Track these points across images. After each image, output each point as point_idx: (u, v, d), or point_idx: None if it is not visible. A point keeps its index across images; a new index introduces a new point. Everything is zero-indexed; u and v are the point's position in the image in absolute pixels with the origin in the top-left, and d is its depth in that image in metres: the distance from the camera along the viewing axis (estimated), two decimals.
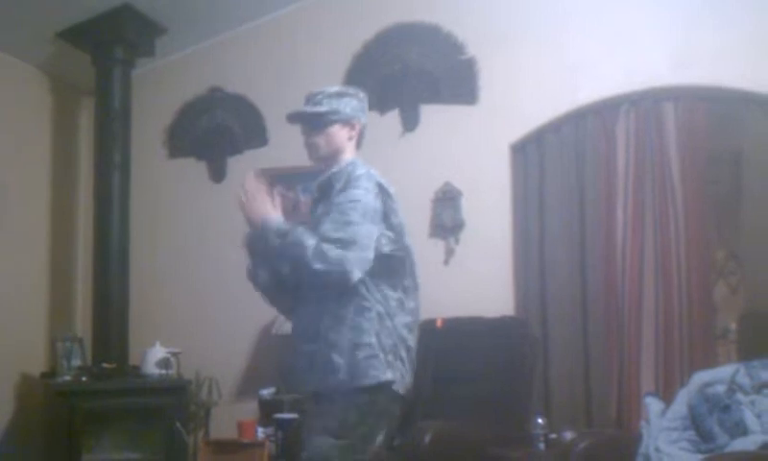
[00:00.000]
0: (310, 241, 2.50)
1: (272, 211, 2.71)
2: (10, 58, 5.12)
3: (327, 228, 2.51)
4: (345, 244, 2.48)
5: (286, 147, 5.23)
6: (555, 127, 4.80)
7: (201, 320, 5.28)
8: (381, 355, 2.54)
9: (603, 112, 4.71)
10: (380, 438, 2.58)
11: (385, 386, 2.54)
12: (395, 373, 2.57)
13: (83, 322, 5.38)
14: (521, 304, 4.79)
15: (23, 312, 5.12)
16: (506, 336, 4.48)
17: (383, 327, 2.56)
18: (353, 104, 2.75)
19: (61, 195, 5.50)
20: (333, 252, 2.47)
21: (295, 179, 5.25)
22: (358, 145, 2.78)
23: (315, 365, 2.58)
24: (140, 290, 5.25)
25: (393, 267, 2.61)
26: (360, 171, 2.62)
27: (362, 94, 2.81)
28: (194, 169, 5.52)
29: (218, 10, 5.29)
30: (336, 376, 2.53)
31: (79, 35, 5.09)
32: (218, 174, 5.49)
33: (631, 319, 4.54)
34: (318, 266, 2.47)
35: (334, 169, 2.70)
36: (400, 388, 2.60)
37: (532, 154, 4.86)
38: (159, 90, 5.58)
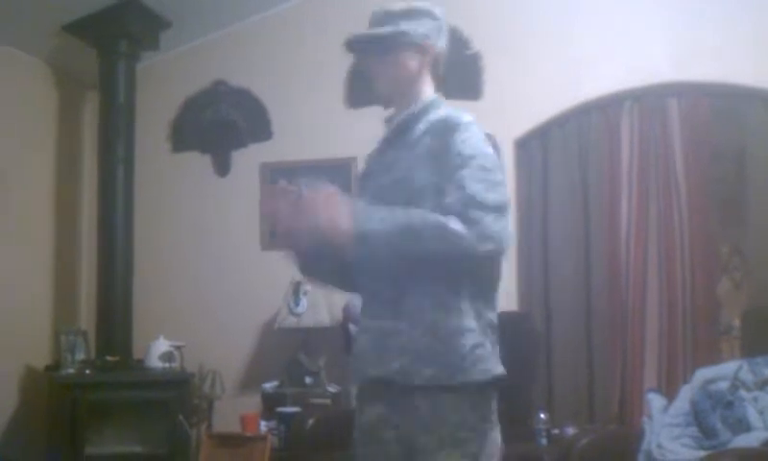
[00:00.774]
0: (451, 224, 1.91)
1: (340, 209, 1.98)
2: (14, 51, 5.12)
3: (477, 188, 1.95)
4: (503, 210, 1.97)
5: (290, 141, 5.26)
6: (559, 122, 4.80)
7: (204, 313, 5.29)
8: (489, 344, 2.04)
9: (607, 108, 4.71)
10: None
11: (498, 379, 2.05)
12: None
13: (86, 315, 5.38)
14: (525, 300, 4.80)
15: (27, 305, 5.12)
16: (509, 331, 4.45)
17: (484, 307, 2.06)
18: (426, 23, 2.21)
19: (66, 188, 5.51)
20: (496, 223, 1.93)
21: (299, 172, 5.25)
22: (436, 76, 2.26)
23: (396, 351, 2.02)
24: (144, 283, 5.25)
25: None
26: (466, 117, 2.10)
27: (438, 11, 2.25)
28: (198, 163, 5.52)
29: (222, 3, 5.29)
30: (434, 366, 1.98)
31: (83, 28, 5.08)
32: (222, 167, 5.49)
33: (634, 315, 4.54)
34: (483, 248, 1.92)
35: (413, 109, 2.18)
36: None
37: (536, 149, 4.86)
38: (164, 84, 5.57)
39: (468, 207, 1.93)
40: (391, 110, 2.26)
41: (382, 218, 1.96)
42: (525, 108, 4.82)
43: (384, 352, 2.05)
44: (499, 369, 2.05)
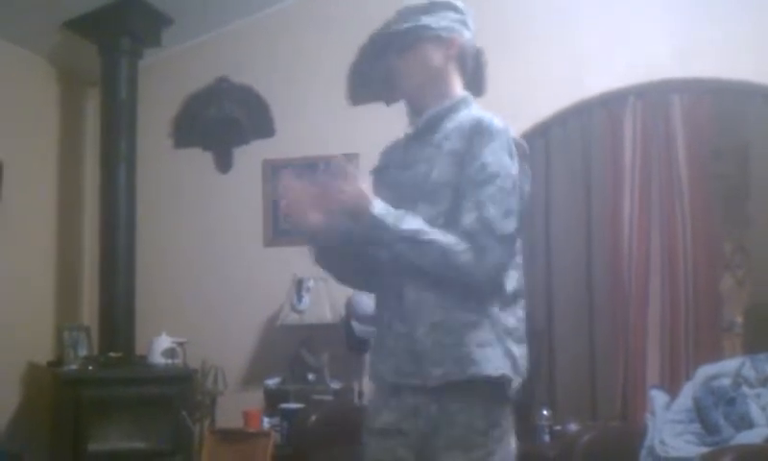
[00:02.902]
0: (462, 256, 1.93)
1: (371, 198, 1.98)
2: (16, 48, 5.12)
3: (492, 212, 1.95)
4: (509, 242, 2.00)
5: (293, 138, 5.26)
6: (561, 119, 4.80)
7: (207, 309, 5.29)
8: (498, 347, 2.02)
9: (609, 105, 4.71)
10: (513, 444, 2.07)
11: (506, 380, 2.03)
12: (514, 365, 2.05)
13: (89, 311, 5.38)
14: (527, 297, 4.77)
15: (30, 301, 5.13)
16: None
17: (500, 311, 2.04)
18: (449, 15, 2.14)
19: (68, 185, 5.51)
20: (502, 253, 1.98)
21: (302, 169, 5.25)
22: (463, 68, 2.17)
23: (408, 354, 2.02)
24: (146, 280, 5.25)
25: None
26: (498, 124, 2.02)
27: (461, 4, 2.19)
28: (200, 160, 5.52)
29: (225, 0, 5.29)
30: (441, 365, 1.97)
31: (85, 25, 5.08)
32: (224, 164, 5.49)
33: (637, 312, 4.54)
34: (483, 279, 1.98)
35: (440, 108, 2.10)
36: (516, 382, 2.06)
37: (538, 146, 4.86)
38: (166, 81, 5.57)
39: (483, 234, 1.94)
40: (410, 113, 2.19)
41: (398, 216, 1.97)
42: (527, 104, 4.81)
43: (398, 357, 2.04)
44: (514, 375, 2.02)
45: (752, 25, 4.43)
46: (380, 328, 2.12)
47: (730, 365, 3.65)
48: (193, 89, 5.53)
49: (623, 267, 4.59)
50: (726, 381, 3.53)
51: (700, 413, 3.52)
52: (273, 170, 5.33)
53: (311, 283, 4.80)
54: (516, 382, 2.04)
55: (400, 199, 2.02)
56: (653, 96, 4.63)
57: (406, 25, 2.11)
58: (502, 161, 1.99)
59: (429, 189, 2.02)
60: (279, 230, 5.30)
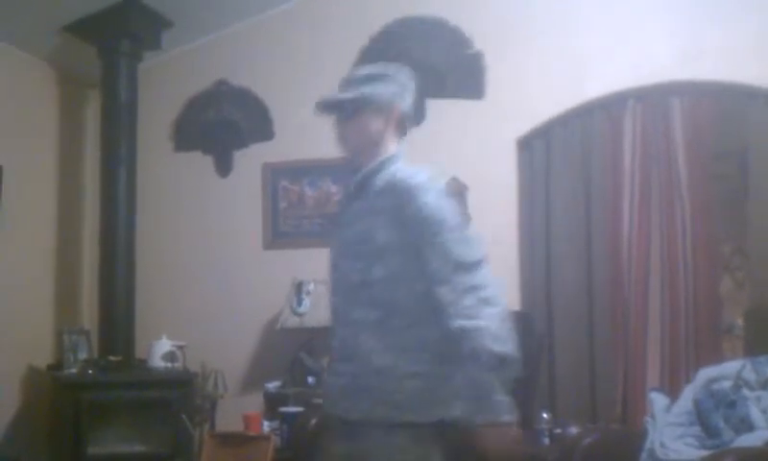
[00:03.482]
0: (467, 322, 2.07)
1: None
2: (16, 50, 5.12)
3: (460, 251, 2.12)
4: (482, 263, 2.16)
5: (292, 141, 5.26)
6: (562, 121, 4.80)
7: (207, 313, 5.29)
8: (439, 388, 2.14)
9: (609, 107, 4.71)
10: None
11: (447, 423, 2.15)
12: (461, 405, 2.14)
13: (89, 314, 5.38)
14: (527, 299, 4.79)
15: (30, 304, 5.13)
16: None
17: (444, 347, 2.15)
18: (390, 87, 2.31)
19: (68, 187, 5.51)
20: (485, 278, 2.13)
21: (300, 172, 5.26)
22: (401, 133, 2.36)
23: (351, 391, 2.22)
24: (146, 283, 5.25)
25: None
26: (421, 175, 2.21)
27: (404, 74, 2.37)
28: (200, 163, 5.52)
29: (224, 3, 5.29)
30: (381, 406, 2.15)
31: (85, 28, 5.08)
32: (224, 168, 5.49)
33: (636, 314, 4.54)
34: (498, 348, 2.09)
35: (372, 165, 2.30)
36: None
37: (538, 148, 4.86)
38: (166, 84, 5.57)
39: (457, 272, 2.10)
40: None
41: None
42: (528, 107, 4.82)
43: (341, 393, 2.26)
44: (448, 413, 2.13)
45: (753, 27, 4.43)
46: (332, 369, 2.43)
47: (730, 367, 3.64)
48: (193, 92, 5.53)
49: (623, 269, 4.58)
50: (726, 384, 3.52)
51: (700, 416, 3.51)
52: (272, 173, 5.33)
53: (311, 286, 4.80)
54: (445, 418, 2.16)
55: (347, 256, 2.27)
56: (653, 98, 4.63)
57: (352, 95, 2.30)
58: (439, 206, 2.17)
59: (374, 249, 2.19)
60: (279, 232, 5.31)
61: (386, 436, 2.14)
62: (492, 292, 2.12)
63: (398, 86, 2.35)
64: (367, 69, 2.39)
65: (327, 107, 2.38)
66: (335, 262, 2.36)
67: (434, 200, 2.17)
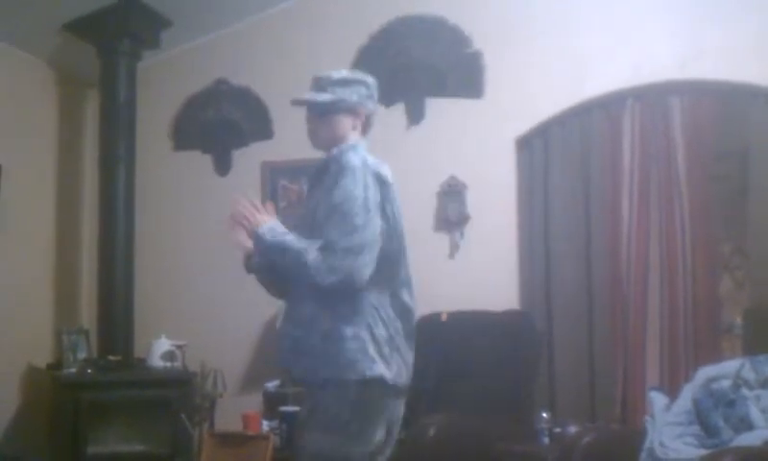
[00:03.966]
0: (311, 256, 2.41)
1: (262, 222, 2.57)
2: (15, 50, 5.12)
3: (333, 235, 2.41)
4: (354, 252, 2.40)
5: (291, 140, 5.23)
6: (561, 121, 4.79)
7: (206, 312, 5.28)
8: (372, 348, 2.45)
9: (609, 106, 4.71)
10: (379, 434, 2.51)
11: (377, 381, 2.46)
12: (389, 367, 2.48)
13: (88, 314, 5.38)
14: (526, 298, 4.79)
15: (29, 304, 5.12)
16: (511, 330, 4.48)
17: (376, 318, 2.48)
18: (360, 91, 2.63)
19: (67, 187, 5.50)
20: (342, 262, 2.40)
21: (300, 171, 5.25)
22: (364, 132, 2.67)
23: (301, 351, 2.53)
24: (145, 282, 5.25)
25: (388, 259, 2.52)
26: (354, 161, 2.50)
27: (370, 80, 2.68)
28: (199, 162, 5.52)
29: (223, 2, 5.29)
30: (322, 366, 2.47)
31: (84, 27, 5.08)
32: (223, 167, 5.49)
33: (636, 313, 4.54)
34: (327, 280, 2.41)
35: (332, 152, 2.60)
36: (398, 382, 2.52)
37: (537, 147, 4.85)
38: (165, 83, 5.57)
39: (328, 248, 2.41)
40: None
41: (275, 233, 2.53)
42: (527, 106, 4.82)
43: (292, 354, 2.57)
44: (378, 371, 2.46)
45: (753, 27, 4.42)
46: (284, 332, 2.65)
47: (729, 367, 3.64)
48: (192, 91, 5.53)
49: (622, 268, 4.58)
50: (725, 383, 3.52)
51: (699, 415, 3.51)
52: (271, 172, 5.33)
53: None
54: (378, 376, 2.47)
55: (302, 228, 2.56)
56: (653, 98, 4.63)
57: (325, 97, 2.60)
58: (347, 191, 2.44)
59: (314, 224, 2.51)
60: None
61: (336, 391, 2.45)
62: (341, 269, 2.40)
63: (368, 92, 2.65)
64: (341, 73, 2.69)
65: (302, 104, 2.67)
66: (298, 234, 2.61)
67: (345, 184, 2.45)
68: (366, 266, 2.42)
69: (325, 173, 2.57)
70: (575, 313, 4.64)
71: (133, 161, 5.21)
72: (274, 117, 5.37)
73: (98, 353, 5.02)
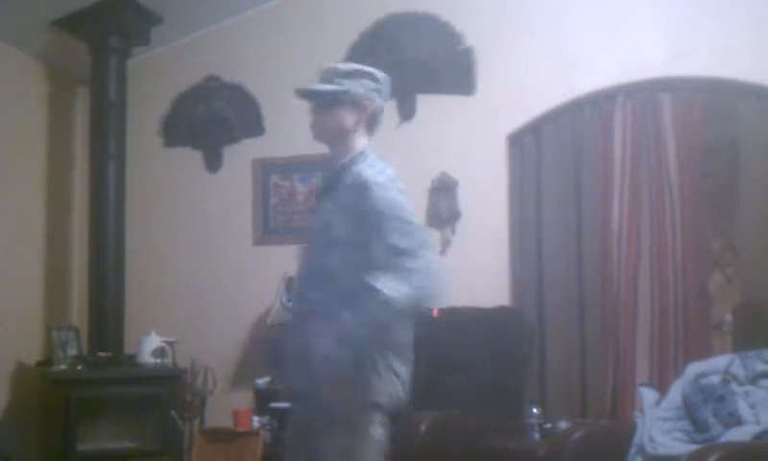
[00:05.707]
0: (380, 289, 2.24)
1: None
2: (4, 46, 5.10)
3: (393, 239, 2.29)
4: (425, 246, 2.34)
5: (283, 136, 5.25)
6: (552, 117, 4.80)
7: (196, 309, 5.28)
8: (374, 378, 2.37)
9: (600, 103, 4.71)
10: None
11: (374, 406, 2.40)
12: (385, 389, 2.40)
13: (78, 311, 5.36)
14: (517, 294, 4.80)
15: (19, 301, 5.10)
16: (502, 326, 4.48)
17: (378, 335, 2.35)
18: (367, 84, 2.49)
19: (57, 183, 5.49)
20: (415, 262, 2.28)
21: (291, 168, 5.25)
22: (370, 128, 2.53)
23: (301, 365, 2.44)
24: (136, 279, 5.24)
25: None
26: (378, 178, 2.38)
27: (381, 75, 2.54)
28: (190, 158, 5.51)
29: None
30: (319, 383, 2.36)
31: (74, 23, 5.06)
32: (214, 163, 5.48)
33: (626, 309, 4.55)
34: (415, 287, 2.28)
35: (344, 160, 2.48)
36: (393, 406, 2.45)
37: (529, 144, 4.86)
38: (155, 79, 5.56)
39: (391, 256, 2.28)
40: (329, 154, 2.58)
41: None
42: (518, 102, 4.82)
43: (291, 363, 2.50)
44: (381, 399, 2.39)
45: (743, 24, 4.43)
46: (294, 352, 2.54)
47: (719, 362, 3.65)
48: (182, 88, 5.52)
49: (613, 265, 4.59)
50: (715, 379, 3.53)
51: (689, 410, 3.52)
52: (263, 169, 5.32)
53: None
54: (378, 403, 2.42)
55: (312, 242, 2.50)
56: (644, 94, 4.64)
57: (329, 87, 2.47)
58: (386, 199, 2.35)
59: (329, 239, 2.40)
60: (269, 228, 5.30)
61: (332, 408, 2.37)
62: (418, 276, 2.27)
63: (376, 86, 2.51)
64: (350, 64, 2.57)
65: (307, 93, 2.53)
66: (304, 246, 2.56)
67: (381, 195, 2.35)
68: (434, 267, 2.34)
69: (337, 184, 2.46)
70: (566, 309, 4.65)
71: (124, 158, 5.20)
72: (264, 114, 5.36)
73: (88, 350, 5.00)
